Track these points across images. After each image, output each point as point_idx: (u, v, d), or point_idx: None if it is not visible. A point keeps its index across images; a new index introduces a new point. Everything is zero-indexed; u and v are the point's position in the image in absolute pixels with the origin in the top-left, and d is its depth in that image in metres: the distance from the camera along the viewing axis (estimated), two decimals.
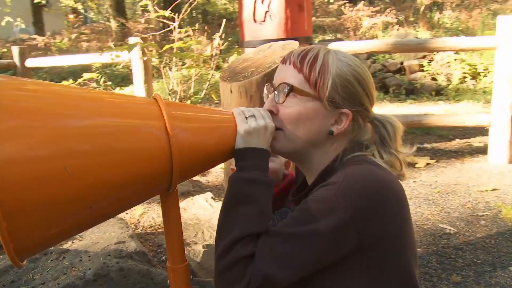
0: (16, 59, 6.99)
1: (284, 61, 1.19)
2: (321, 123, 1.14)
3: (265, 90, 1.27)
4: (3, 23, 14.49)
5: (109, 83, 8.25)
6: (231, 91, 2.00)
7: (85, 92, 1.03)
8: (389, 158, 1.15)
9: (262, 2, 4.13)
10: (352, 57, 1.18)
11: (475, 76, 8.80)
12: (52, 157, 0.87)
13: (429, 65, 9.25)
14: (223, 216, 1.10)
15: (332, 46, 4.87)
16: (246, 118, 1.16)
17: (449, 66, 9.00)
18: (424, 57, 9.43)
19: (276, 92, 1.17)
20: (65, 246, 2.36)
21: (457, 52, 8.87)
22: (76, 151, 0.90)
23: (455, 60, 8.99)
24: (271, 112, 1.18)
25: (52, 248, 2.12)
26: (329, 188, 1.03)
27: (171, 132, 1.01)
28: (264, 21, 4.13)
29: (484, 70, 8.72)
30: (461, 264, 2.83)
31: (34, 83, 1.02)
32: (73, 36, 16.12)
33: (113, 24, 15.54)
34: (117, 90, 10.00)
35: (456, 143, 5.58)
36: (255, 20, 4.16)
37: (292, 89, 1.13)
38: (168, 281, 1.22)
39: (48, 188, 0.87)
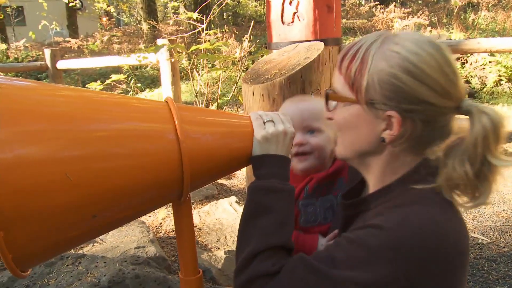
0: (48, 61, 7.14)
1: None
2: (368, 129, 0.97)
3: None
4: (39, 27, 14.88)
5: (139, 84, 8.33)
6: (253, 94, 1.94)
7: (91, 96, 0.98)
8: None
9: (290, 3, 4.04)
10: (409, 41, 0.93)
11: (511, 78, 8.50)
12: (53, 162, 0.83)
13: (463, 67, 8.99)
14: (241, 228, 1.04)
15: None
16: (264, 123, 1.10)
17: (483, 68, 8.72)
18: (457, 59, 9.17)
19: None
20: (84, 250, 2.34)
21: (492, 54, 8.57)
22: (79, 156, 0.85)
23: (490, 62, 8.70)
24: (329, 119, 1.05)
25: (70, 252, 2.10)
26: (378, 234, 0.87)
27: (181, 137, 0.96)
28: (292, 22, 4.04)
29: None
30: (494, 278, 2.69)
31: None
32: (105, 38, 16.37)
33: (144, 26, 15.73)
34: (147, 92, 10.09)
35: None
36: (283, 22, 4.07)
37: (328, 96, 1.02)
38: None
39: (49, 195, 0.83)
